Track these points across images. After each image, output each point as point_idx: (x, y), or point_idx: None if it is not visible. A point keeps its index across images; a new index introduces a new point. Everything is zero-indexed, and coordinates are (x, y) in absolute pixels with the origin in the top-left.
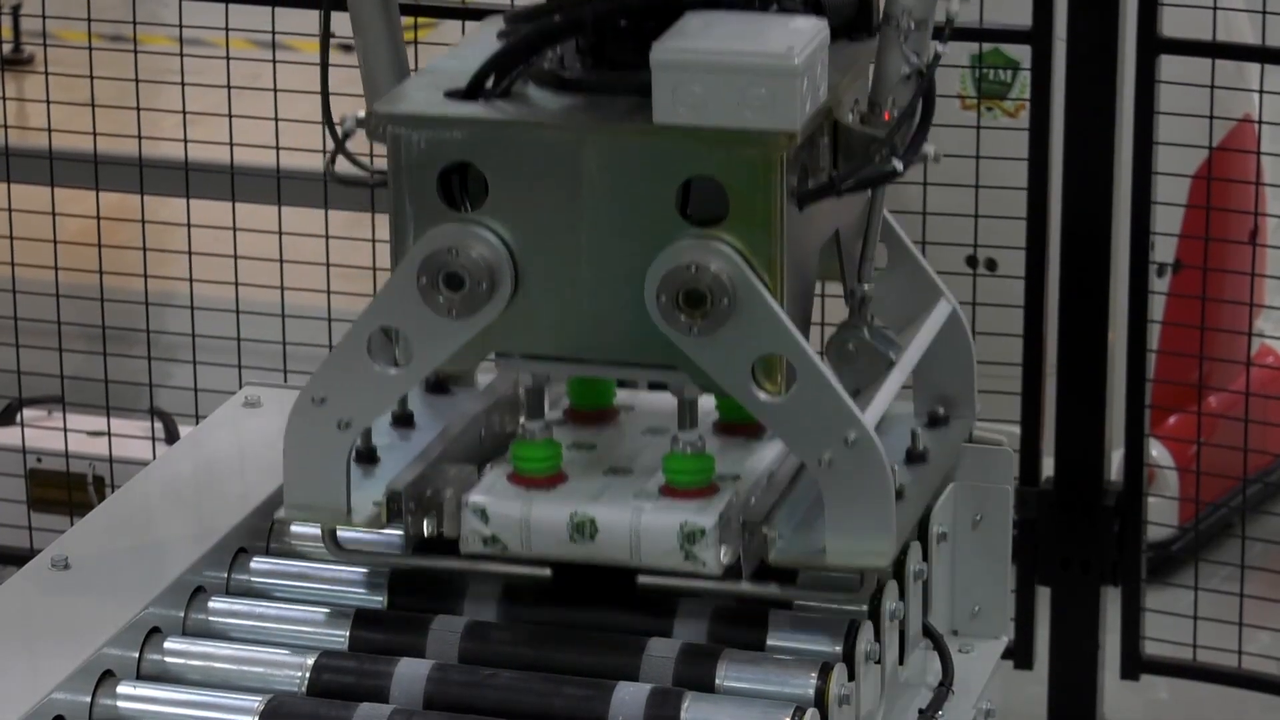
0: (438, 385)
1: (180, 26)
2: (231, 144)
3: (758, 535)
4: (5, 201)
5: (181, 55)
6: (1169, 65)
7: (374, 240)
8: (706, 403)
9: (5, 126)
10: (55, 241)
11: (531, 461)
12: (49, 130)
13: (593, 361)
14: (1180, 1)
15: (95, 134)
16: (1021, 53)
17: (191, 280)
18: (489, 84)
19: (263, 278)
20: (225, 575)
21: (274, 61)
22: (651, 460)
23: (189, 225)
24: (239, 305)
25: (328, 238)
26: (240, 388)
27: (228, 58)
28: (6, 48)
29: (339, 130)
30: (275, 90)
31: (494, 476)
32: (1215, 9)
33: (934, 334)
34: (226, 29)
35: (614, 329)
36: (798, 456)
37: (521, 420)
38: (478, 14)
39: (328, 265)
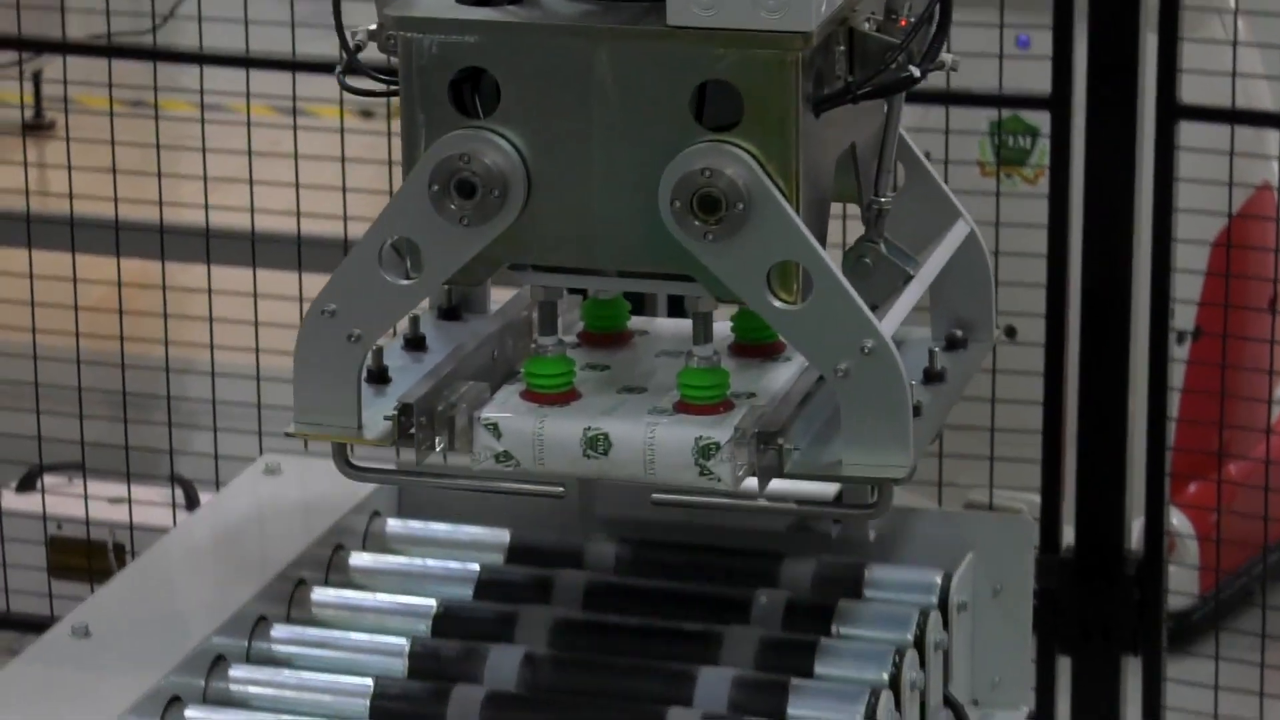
0: (450, 311)
1: (201, 92)
2: (252, 210)
3: (773, 447)
4: (26, 267)
5: (203, 121)
6: (1188, 131)
7: None
8: (721, 327)
9: (27, 192)
10: (76, 308)
11: (544, 378)
12: (70, 196)
13: (606, 273)
14: (1200, 68)
15: (116, 200)
16: (1041, 119)
17: (212, 346)
18: None
19: (283, 344)
20: (246, 643)
21: (295, 127)
22: (666, 379)
23: (210, 291)
24: (259, 371)
25: None
26: (260, 454)
27: (249, 123)
28: (28, 113)
29: (350, 40)
30: (296, 156)
31: (506, 393)
32: (1235, 75)
33: (951, 251)
34: (248, 94)
35: (628, 237)
36: (814, 366)
37: (534, 337)
38: None
39: None
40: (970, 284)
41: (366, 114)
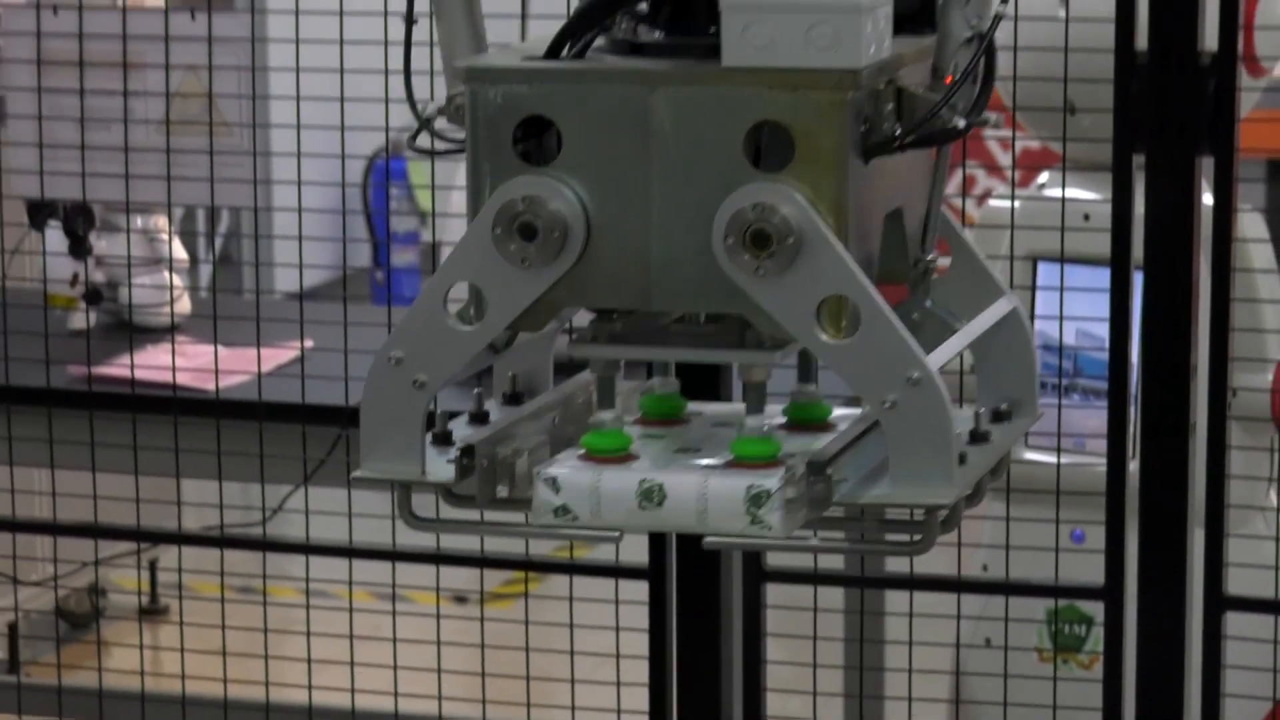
0: (514, 397)
1: (307, 580)
2: (353, 690)
3: (821, 479)
4: None
5: (308, 606)
6: (1234, 621)
7: None
8: (774, 409)
9: (141, 673)
10: None
11: (602, 441)
12: (182, 677)
13: (667, 341)
14: (1244, 562)
15: (225, 680)
16: (1095, 609)
17: None
18: (565, 50)
19: None
20: None
21: (394, 613)
22: (720, 445)
23: None
24: None
25: None
26: None
27: (350, 608)
28: (144, 599)
29: (421, 111)
30: (394, 640)
31: (566, 454)
32: (1278, 569)
33: (995, 319)
34: (350, 582)
35: (684, 278)
36: (861, 397)
37: (594, 414)
38: None
39: None
40: (1014, 360)
41: (460, 599)
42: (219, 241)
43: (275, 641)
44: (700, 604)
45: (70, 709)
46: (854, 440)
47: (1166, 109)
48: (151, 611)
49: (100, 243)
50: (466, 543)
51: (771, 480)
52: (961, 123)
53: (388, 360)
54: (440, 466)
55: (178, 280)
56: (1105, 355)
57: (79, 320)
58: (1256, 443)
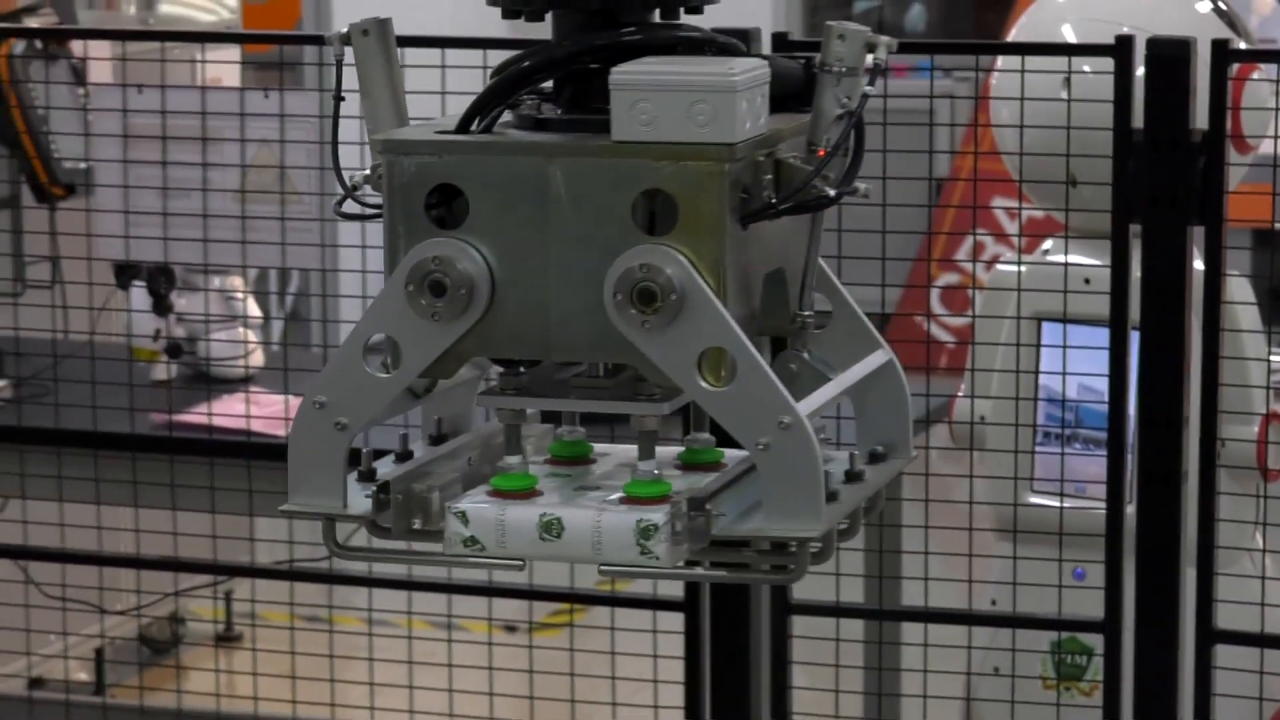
0: (439, 439)
1: (370, 610)
2: (412, 712)
3: (702, 513)
4: None
5: (370, 635)
6: (1224, 653)
7: None
8: (669, 452)
9: (217, 695)
10: None
11: (509, 483)
12: (255, 699)
13: (561, 395)
14: (1233, 599)
15: (294, 702)
16: (1095, 640)
17: None
18: (475, 125)
19: None
20: None
21: (449, 641)
22: (618, 483)
23: None
24: None
25: None
26: None
27: (409, 637)
28: (220, 627)
29: (348, 180)
30: (450, 665)
31: (475, 491)
32: (1264, 605)
33: (870, 369)
34: (409, 613)
35: (579, 330)
36: (738, 439)
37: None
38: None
39: None
40: (889, 406)
41: (510, 628)
42: (289, 300)
43: (340, 667)
44: (731, 634)
45: None
46: (736, 479)
47: (1160, 183)
48: (226, 639)
49: (180, 301)
50: (514, 576)
51: (658, 515)
52: (832, 192)
53: (313, 404)
54: (361, 500)
55: (251, 335)
56: (1105, 408)
57: (161, 372)
58: (1244, 489)
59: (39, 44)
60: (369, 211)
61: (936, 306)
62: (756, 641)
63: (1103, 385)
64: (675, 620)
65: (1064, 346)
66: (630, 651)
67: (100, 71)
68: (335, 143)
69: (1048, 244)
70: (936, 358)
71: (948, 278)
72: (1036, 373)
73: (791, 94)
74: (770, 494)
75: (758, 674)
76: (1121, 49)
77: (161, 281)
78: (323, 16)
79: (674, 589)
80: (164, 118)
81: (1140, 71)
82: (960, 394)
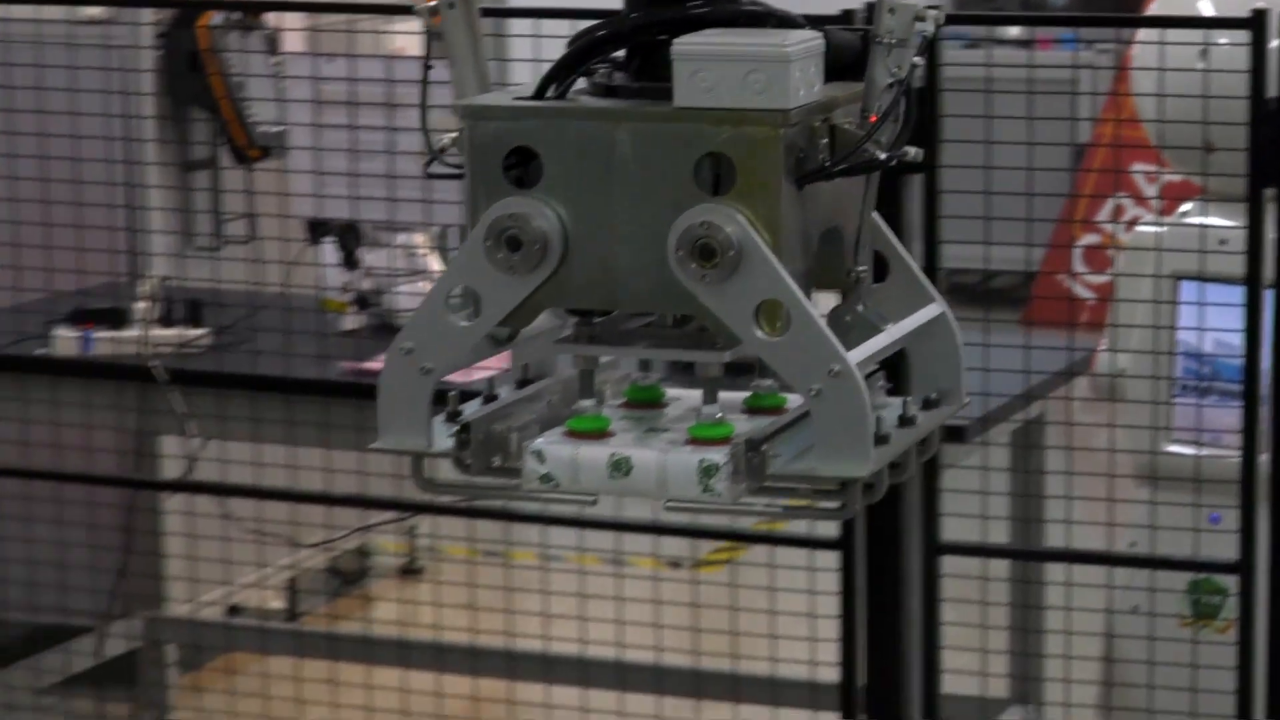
0: (524, 383)
1: (544, 546)
2: (582, 643)
3: (759, 453)
4: (398, 682)
5: (543, 569)
6: None
7: None
8: (736, 397)
9: (401, 624)
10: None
11: (582, 424)
12: (435, 628)
13: (629, 344)
14: None
15: (473, 632)
16: (1230, 581)
17: None
18: (550, 92)
19: None
20: None
21: (618, 575)
22: (685, 426)
23: (547, 707)
24: None
25: None
26: None
27: (581, 572)
28: (404, 560)
29: (434, 142)
30: (618, 599)
31: (552, 432)
32: None
33: (923, 321)
34: (581, 549)
35: (644, 283)
36: (792, 386)
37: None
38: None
39: None
40: (942, 356)
41: (675, 564)
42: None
43: (515, 599)
44: (884, 573)
45: (341, 653)
46: (794, 422)
47: None
48: (410, 571)
49: (368, 256)
50: (681, 516)
51: (719, 455)
52: (883, 155)
53: (400, 351)
54: (446, 440)
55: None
56: (1239, 361)
57: (349, 322)
58: None
59: (236, 16)
60: (455, 171)
61: (1078, 266)
62: (908, 579)
63: (1238, 340)
64: (830, 559)
65: (1201, 304)
66: (788, 587)
67: (292, 41)
68: (424, 107)
69: (1187, 206)
70: (1078, 314)
71: (1089, 239)
72: (1174, 329)
73: (848, 64)
74: (822, 436)
75: (909, 609)
76: (1257, 22)
77: (350, 237)
78: None
79: (829, 529)
80: (352, 84)
81: (1275, 43)
82: (1102, 348)
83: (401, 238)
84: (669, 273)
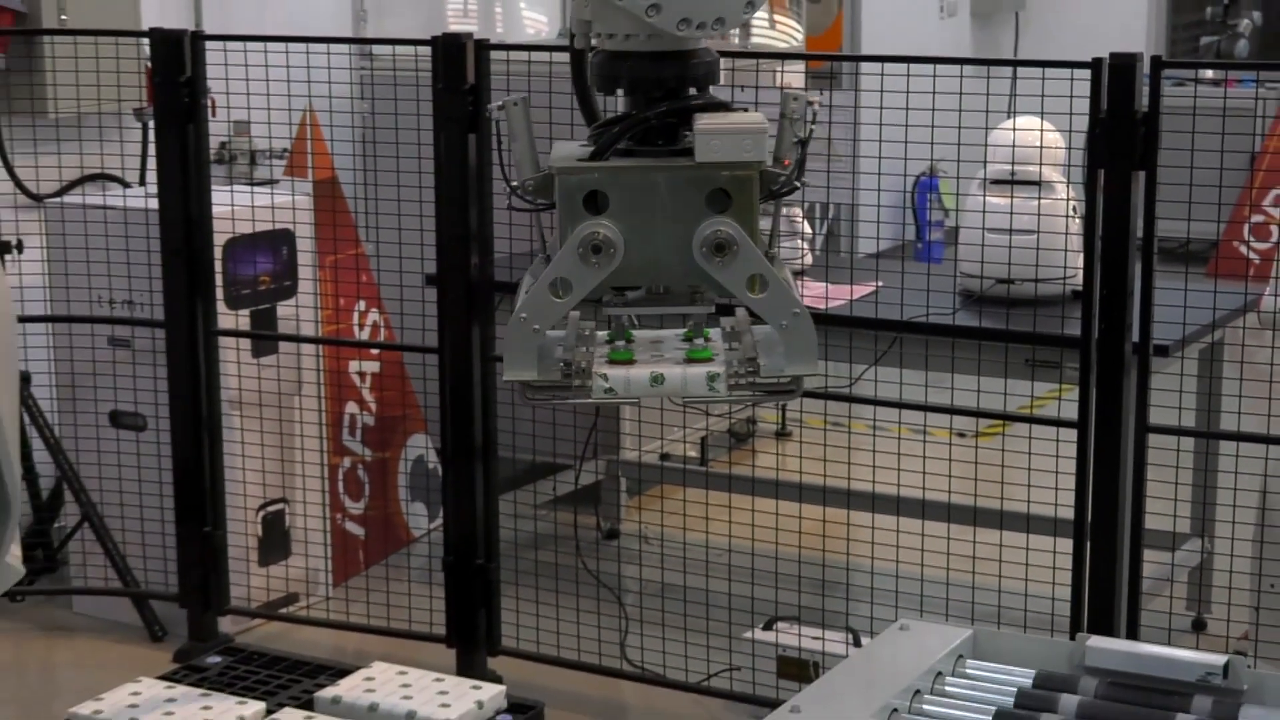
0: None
1: (874, 420)
2: (899, 486)
3: (755, 365)
4: (771, 509)
5: (874, 435)
6: None
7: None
8: (667, 334)
9: (776, 469)
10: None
11: (619, 355)
12: (799, 473)
13: (649, 305)
14: None
15: (824, 476)
16: None
17: (873, 565)
18: (607, 155)
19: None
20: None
21: (924, 441)
22: (667, 351)
23: (872, 529)
24: (897, 570)
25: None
26: (896, 619)
27: (898, 438)
28: (777, 427)
29: (514, 187)
30: (924, 457)
31: (599, 361)
32: None
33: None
34: (899, 423)
35: (675, 268)
36: (769, 322)
37: (614, 343)
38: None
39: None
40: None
41: (961, 434)
42: (825, 223)
43: (854, 455)
44: (1108, 444)
45: (734, 488)
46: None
47: None
48: (782, 434)
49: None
50: (968, 401)
51: (719, 368)
52: (797, 183)
53: (519, 318)
54: (547, 372)
55: (804, 245)
56: None
57: None
58: None
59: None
60: (539, 204)
61: (1249, 236)
62: (1124, 449)
63: None
64: (1070, 433)
65: None
66: (1040, 452)
67: None
68: (504, 165)
69: None
70: (1249, 269)
71: (1257, 218)
72: None
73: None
74: (788, 350)
75: (1124, 470)
76: None
77: None
78: (855, 39)
79: (1069, 411)
80: (752, 108)
81: None
82: (1267, 293)
83: (785, 210)
84: (691, 260)
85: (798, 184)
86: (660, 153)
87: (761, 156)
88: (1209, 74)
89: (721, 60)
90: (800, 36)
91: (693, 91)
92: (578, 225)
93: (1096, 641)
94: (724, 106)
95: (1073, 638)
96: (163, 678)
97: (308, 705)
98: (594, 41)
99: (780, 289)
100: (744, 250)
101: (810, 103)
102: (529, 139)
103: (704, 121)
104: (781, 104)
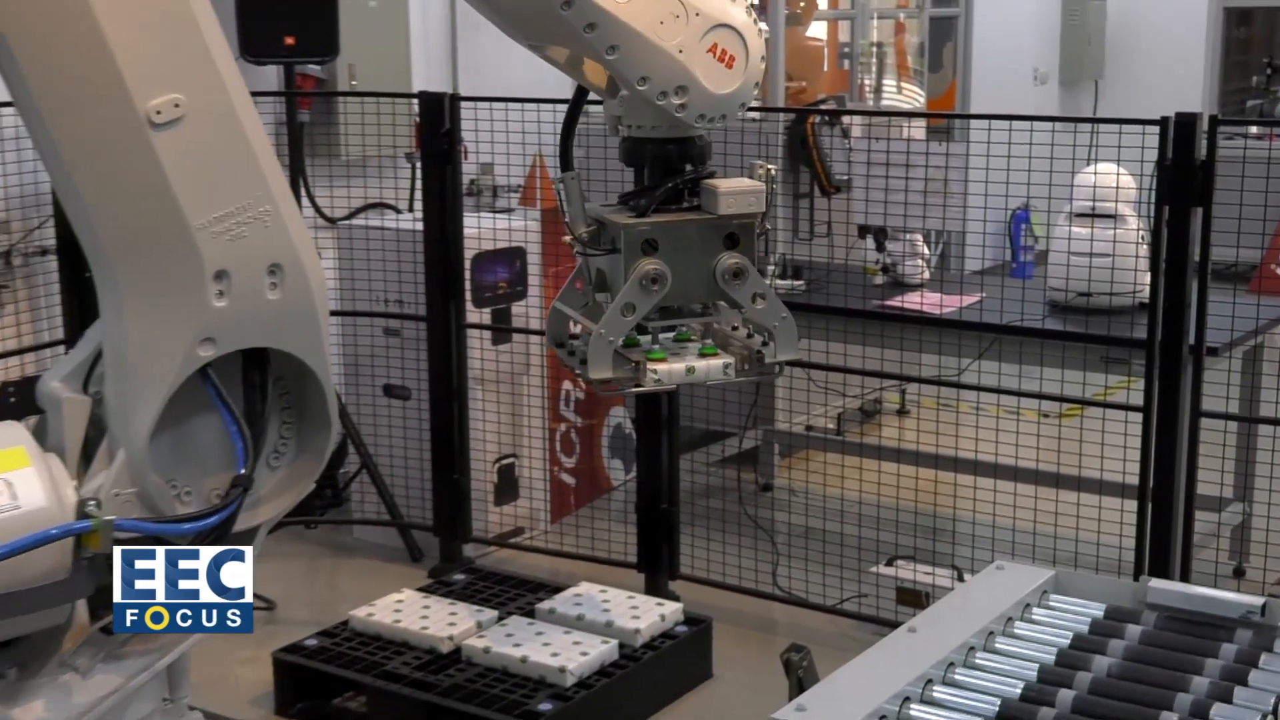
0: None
1: (977, 404)
2: (996, 455)
3: (756, 353)
4: (895, 470)
5: (977, 414)
6: None
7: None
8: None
9: (899, 440)
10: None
11: (655, 355)
12: (916, 445)
13: (692, 314)
14: None
15: (936, 447)
16: None
17: (975, 502)
18: (649, 213)
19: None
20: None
21: (1018, 419)
22: (681, 347)
23: (973, 488)
24: (993, 518)
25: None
26: (994, 561)
27: (997, 417)
28: (898, 406)
29: (577, 237)
30: (1016, 433)
31: (649, 363)
32: None
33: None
34: (998, 405)
35: (701, 290)
36: (766, 325)
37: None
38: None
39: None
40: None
41: (1046, 415)
42: (940, 246)
43: (961, 431)
44: (1167, 425)
45: (864, 454)
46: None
47: None
48: (902, 411)
49: (893, 245)
50: (1053, 387)
51: (729, 359)
52: (768, 226)
53: (600, 334)
54: (618, 371)
55: (924, 263)
56: None
57: (878, 278)
58: None
59: (826, 119)
60: (599, 251)
61: None
62: (1180, 430)
63: None
64: (1137, 416)
65: None
66: (1112, 430)
67: (858, 129)
68: (570, 224)
69: None
70: None
71: None
72: None
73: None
74: (780, 343)
75: (1180, 447)
76: None
77: (880, 234)
78: (966, 100)
79: (1136, 398)
80: (884, 155)
81: None
82: None
83: (906, 236)
84: (714, 284)
85: (767, 227)
86: (684, 209)
87: (762, 208)
88: (1255, 130)
89: (857, 118)
90: (922, 99)
91: (688, 166)
92: (637, 263)
93: (1156, 583)
94: (712, 174)
95: (1136, 579)
96: (420, 590)
97: (530, 614)
98: (622, 131)
99: (774, 302)
100: (751, 275)
101: (769, 170)
102: (581, 203)
103: (722, 185)
104: (749, 171)
